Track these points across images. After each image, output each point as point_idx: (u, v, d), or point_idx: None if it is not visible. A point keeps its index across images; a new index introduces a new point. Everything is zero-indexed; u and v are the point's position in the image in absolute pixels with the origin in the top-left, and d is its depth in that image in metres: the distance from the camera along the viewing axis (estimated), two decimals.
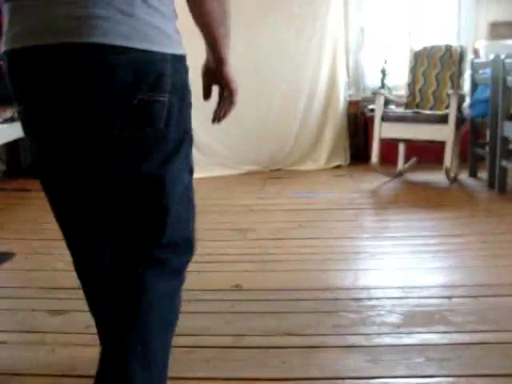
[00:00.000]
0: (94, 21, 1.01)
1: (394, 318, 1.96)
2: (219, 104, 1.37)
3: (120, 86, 1.04)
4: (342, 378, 1.61)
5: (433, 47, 4.43)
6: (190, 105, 1.18)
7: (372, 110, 4.55)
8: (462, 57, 4.30)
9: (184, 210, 1.22)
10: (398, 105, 4.53)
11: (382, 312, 2.02)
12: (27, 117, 1.13)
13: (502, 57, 3.64)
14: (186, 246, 1.23)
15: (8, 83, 1.12)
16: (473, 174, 4.27)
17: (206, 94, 1.34)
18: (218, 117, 1.38)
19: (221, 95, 1.36)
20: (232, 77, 1.33)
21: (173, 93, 1.10)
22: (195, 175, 1.24)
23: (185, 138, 1.16)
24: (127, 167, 1.10)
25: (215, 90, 1.36)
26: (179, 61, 1.13)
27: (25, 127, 1.15)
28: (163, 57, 1.08)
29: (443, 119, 3.93)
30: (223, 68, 1.31)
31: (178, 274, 1.23)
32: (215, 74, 1.32)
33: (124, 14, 1.03)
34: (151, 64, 1.07)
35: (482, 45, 4.70)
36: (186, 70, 1.15)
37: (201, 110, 1.45)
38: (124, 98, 1.05)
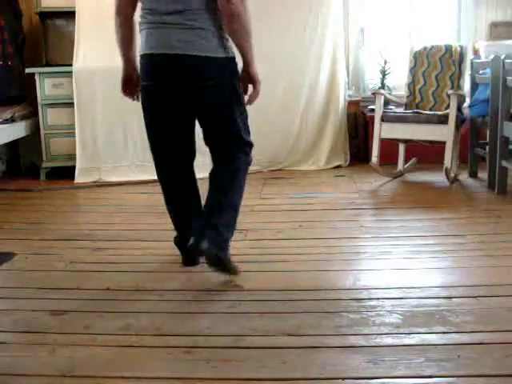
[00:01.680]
0: (192, 43, 2.18)
1: (393, 318, 1.96)
2: (250, 93, 2.33)
3: (208, 74, 2.21)
4: (342, 378, 1.61)
5: (433, 47, 4.42)
6: (238, 78, 2.29)
7: (372, 110, 4.54)
8: (462, 57, 4.29)
9: (242, 123, 2.39)
10: (398, 105, 4.53)
11: (382, 312, 2.02)
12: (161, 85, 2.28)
13: (502, 57, 3.64)
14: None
15: (143, 71, 2.30)
16: (473, 175, 4.27)
17: (245, 91, 2.35)
18: (249, 101, 2.34)
19: (249, 88, 2.32)
20: (255, 73, 2.28)
21: (233, 74, 2.28)
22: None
23: (240, 92, 2.33)
24: (220, 111, 2.31)
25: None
26: (233, 59, 2.27)
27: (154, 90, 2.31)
28: (227, 58, 2.24)
29: (443, 119, 3.92)
30: (249, 68, 2.26)
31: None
32: (245, 73, 2.28)
33: (206, 41, 2.18)
34: (220, 62, 2.22)
35: (482, 45, 4.69)
36: (236, 63, 2.29)
37: None
38: (211, 79, 2.21)
